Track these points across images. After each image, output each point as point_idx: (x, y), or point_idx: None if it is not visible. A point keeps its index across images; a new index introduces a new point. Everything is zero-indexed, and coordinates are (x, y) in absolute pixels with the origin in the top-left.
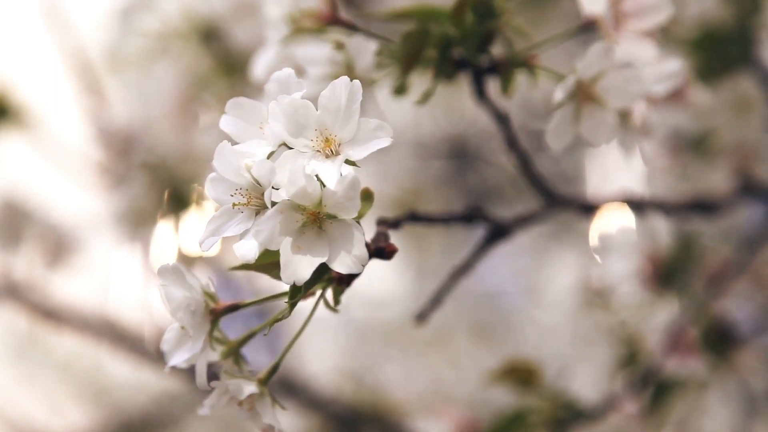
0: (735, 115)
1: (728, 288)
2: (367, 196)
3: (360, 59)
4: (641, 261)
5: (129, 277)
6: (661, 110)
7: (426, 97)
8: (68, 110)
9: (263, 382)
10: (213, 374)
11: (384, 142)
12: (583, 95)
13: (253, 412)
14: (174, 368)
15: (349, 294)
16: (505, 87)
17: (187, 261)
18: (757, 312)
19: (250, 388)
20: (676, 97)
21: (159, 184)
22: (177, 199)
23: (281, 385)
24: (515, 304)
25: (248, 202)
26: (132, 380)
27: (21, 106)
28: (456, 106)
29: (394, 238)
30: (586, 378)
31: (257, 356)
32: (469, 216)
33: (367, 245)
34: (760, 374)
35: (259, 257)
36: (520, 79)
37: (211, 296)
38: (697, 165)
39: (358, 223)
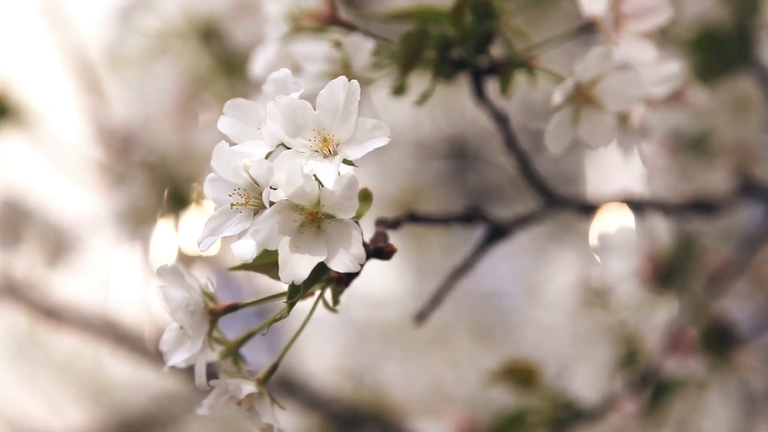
0: (734, 115)
1: (728, 288)
2: (365, 197)
3: (357, 58)
4: (641, 261)
5: (129, 277)
6: (660, 111)
7: (425, 98)
8: (68, 109)
9: (262, 381)
10: (212, 374)
11: (381, 141)
12: (581, 98)
13: (252, 412)
14: (173, 368)
15: (348, 294)
16: (505, 88)
17: (186, 260)
18: (757, 312)
19: (249, 387)
20: (675, 97)
21: (159, 184)
22: (177, 198)
23: (281, 384)
24: (515, 304)
25: (246, 202)
26: (132, 380)
27: (21, 106)
28: (456, 106)
29: (394, 238)
30: (586, 378)
31: (257, 356)
32: (469, 216)
33: (366, 245)
34: (760, 374)
35: (258, 257)
36: (520, 79)
37: (210, 296)
38: (696, 165)
39: (356, 222)
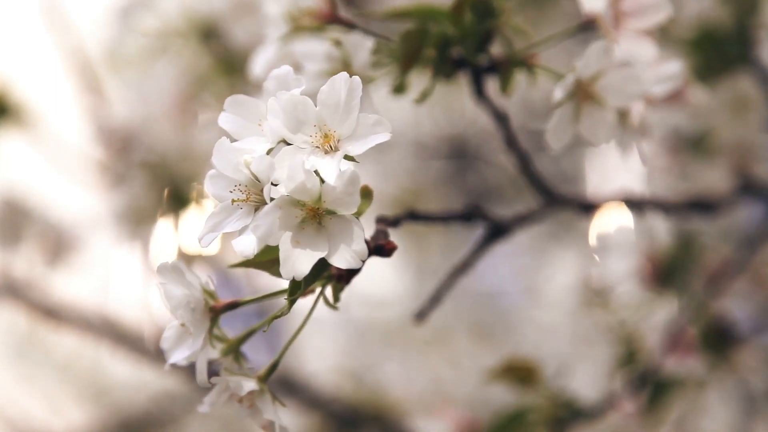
0: (734, 115)
1: (727, 287)
2: (366, 194)
3: (357, 56)
4: (640, 260)
5: (129, 276)
6: (659, 110)
7: (424, 96)
8: (68, 109)
9: (263, 378)
10: (213, 372)
11: (383, 137)
12: (582, 94)
13: (254, 409)
14: (174, 366)
15: (349, 294)
16: (504, 86)
17: (186, 260)
18: (756, 311)
19: (250, 384)
20: (675, 96)
21: (159, 183)
22: (176, 197)
23: (281, 384)
24: (515, 304)
25: (247, 198)
26: (132, 380)
27: (21, 105)
28: (456, 106)
29: (394, 237)
30: (586, 377)
31: (257, 356)
32: (469, 214)
33: (367, 242)
34: (759, 373)
35: (259, 254)
36: (520, 78)
37: (210, 294)
38: (696, 164)
39: (358, 219)
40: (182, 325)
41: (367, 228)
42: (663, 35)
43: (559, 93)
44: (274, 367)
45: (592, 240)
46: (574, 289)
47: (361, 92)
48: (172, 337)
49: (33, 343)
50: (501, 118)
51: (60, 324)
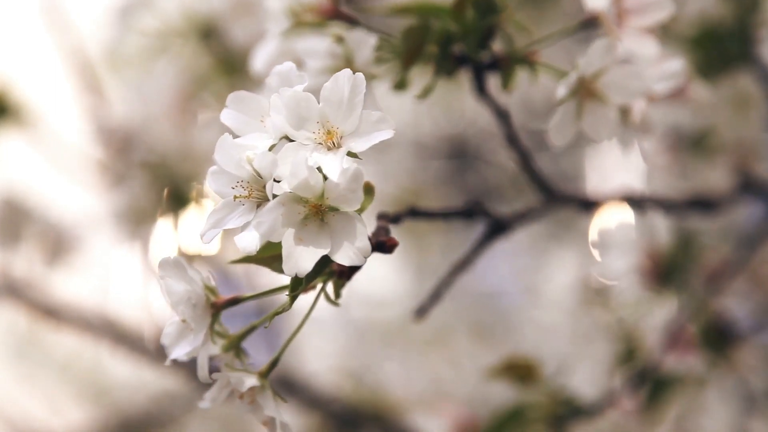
0: (734, 113)
1: (727, 286)
2: (368, 190)
3: (359, 53)
4: (640, 258)
5: (129, 276)
6: (660, 107)
7: (426, 92)
8: (68, 109)
9: (264, 374)
10: (214, 369)
11: (386, 134)
12: (584, 91)
13: (254, 405)
14: (175, 362)
15: (349, 293)
16: (506, 83)
17: (186, 259)
18: (756, 310)
19: (251, 380)
20: (676, 94)
21: (158, 183)
22: (176, 197)
23: (281, 383)
24: (515, 304)
25: (249, 195)
26: (132, 380)
27: (20, 105)
28: (456, 106)
29: (394, 236)
30: (585, 375)
31: (257, 356)
32: (469, 211)
33: (368, 239)
34: (759, 372)
35: (260, 250)
36: (521, 75)
37: (211, 290)
38: (696, 162)
39: (360, 215)
40: (183, 320)
41: (368, 224)
42: (664, 33)
43: (562, 90)
44: (274, 363)
45: (592, 238)
46: (574, 288)
47: (365, 89)
48: (173, 333)
49: (33, 343)
50: (502, 115)
51: (60, 324)
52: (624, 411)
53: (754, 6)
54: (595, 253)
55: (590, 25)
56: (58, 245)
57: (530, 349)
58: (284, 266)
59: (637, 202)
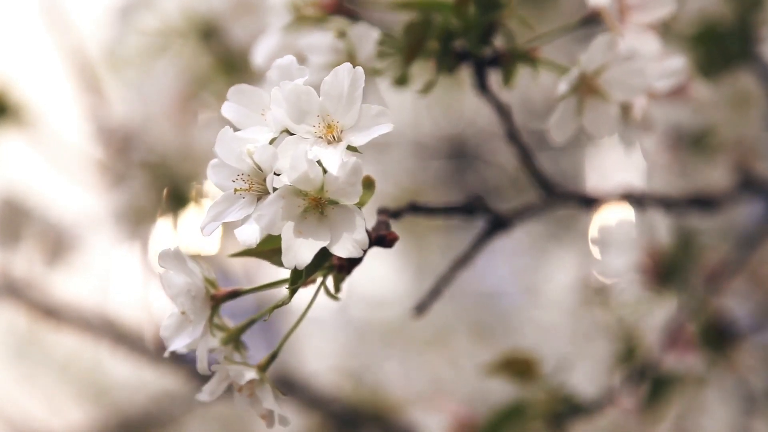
0: (735, 112)
1: (727, 285)
2: (368, 184)
3: (362, 48)
4: (640, 257)
5: (129, 276)
6: (661, 105)
7: (428, 88)
8: (68, 108)
9: (263, 368)
10: (213, 362)
11: (385, 128)
12: (586, 88)
13: (253, 398)
14: (175, 362)
15: (349, 293)
16: (507, 79)
17: None
18: (756, 310)
19: (250, 373)
20: (678, 92)
21: (158, 183)
22: (176, 197)
23: (281, 384)
24: (515, 304)
25: (250, 188)
26: (132, 380)
27: (20, 104)
28: (455, 105)
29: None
30: (585, 373)
31: (257, 354)
32: (470, 206)
33: (368, 233)
34: (759, 372)
35: (260, 244)
36: (522, 72)
37: (211, 282)
38: (696, 161)
39: (360, 209)
40: (182, 313)
41: (369, 220)
42: (666, 31)
43: (563, 86)
44: (273, 356)
45: (592, 235)
46: (574, 288)
47: (364, 83)
48: (173, 325)
49: (33, 343)
50: (503, 111)
51: (60, 324)
52: (623, 409)
53: (754, 4)
54: (595, 251)
55: (592, 21)
56: (58, 245)
57: (530, 348)
58: (283, 258)
59: (637, 201)
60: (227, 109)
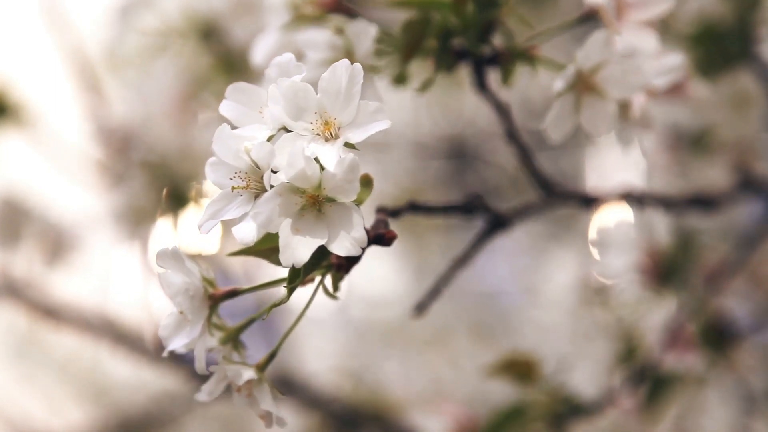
0: (734, 111)
1: (726, 285)
2: (366, 183)
3: (359, 45)
4: (640, 257)
5: (128, 276)
6: (661, 105)
7: (426, 86)
8: (67, 108)
9: (261, 368)
10: (212, 362)
11: (383, 124)
12: (583, 85)
13: (251, 399)
14: (174, 361)
15: (348, 293)
16: (506, 78)
17: None
18: (756, 310)
19: (248, 373)
20: (676, 90)
21: (158, 183)
22: (176, 197)
23: (281, 384)
24: (515, 304)
25: (247, 186)
26: (132, 380)
27: (20, 104)
28: (455, 105)
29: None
30: (585, 373)
31: (255, 354)
32: (469, 205)
33: (367, 231)
34: (759, 372)
35: (258, 242)
36: (521, 71)
37: (209, 282)
38: (696, 161)
39: (358, 206)
40: (181, 312)
41: (368, 218)
42: (664, 30)
43: (559, 83)
44: (272, 356)
45: (592, 235)
46: (574, 288)
47: (362, 80)
48: (171, 325)
49: (33, 343)
50: (502, 110)
51: (60, 324)
52: (623, 410)
53: (754, 4)
54: (595, 251)
55: (590, 18)
56: (58, 245)
57: (530, 348)
58: (281, 256)
59: (636, 200)
60: (225, 107)
